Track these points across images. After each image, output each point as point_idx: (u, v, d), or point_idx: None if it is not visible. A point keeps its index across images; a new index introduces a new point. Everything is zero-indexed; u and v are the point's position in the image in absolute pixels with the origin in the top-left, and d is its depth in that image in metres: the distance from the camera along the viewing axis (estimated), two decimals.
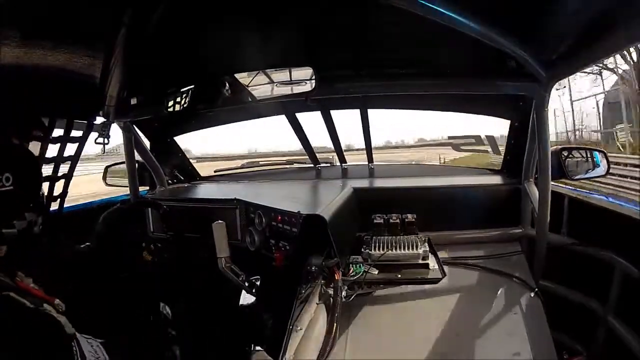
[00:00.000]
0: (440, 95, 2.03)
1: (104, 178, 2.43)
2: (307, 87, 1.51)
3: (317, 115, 2.21)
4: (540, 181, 1.66)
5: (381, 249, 1.60)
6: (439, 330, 1.60)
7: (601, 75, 14.08)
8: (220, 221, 1.61)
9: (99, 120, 1.65)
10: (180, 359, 1.58)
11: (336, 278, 1.39)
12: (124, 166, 2.16)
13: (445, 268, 1.57)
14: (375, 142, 2.39)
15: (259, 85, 1.57)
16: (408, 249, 1.58)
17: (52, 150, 1.24)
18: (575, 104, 15.22)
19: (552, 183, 1.65)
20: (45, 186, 1.21)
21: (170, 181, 2.42)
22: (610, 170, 1.88)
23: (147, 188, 2.35)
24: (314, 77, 1.51)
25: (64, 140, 1.23)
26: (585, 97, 14.90)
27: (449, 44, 1.42)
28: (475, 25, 1.15)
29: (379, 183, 2.30)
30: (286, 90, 1.54)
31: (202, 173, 2.70)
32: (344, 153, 2.52)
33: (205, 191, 2.36)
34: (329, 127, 2.28)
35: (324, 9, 1.29)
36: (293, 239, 1.46)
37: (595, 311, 1.59)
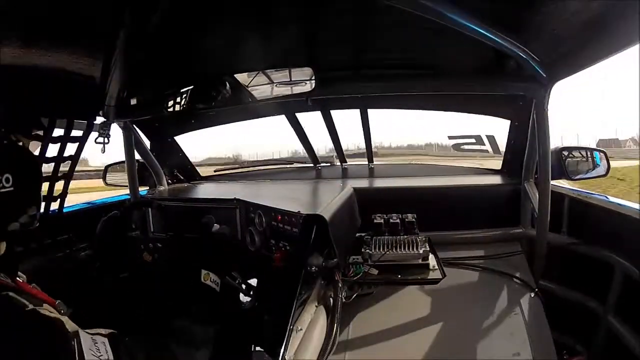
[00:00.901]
0: (440, 95, 2.03)
1: (104, 178, 2.43)
2: (307, 87, 1.51)
3: (318, 116, 2.21)
4: (540, 181, 1.66)
5: (381, 249, 1.60)
6: (439, 330, 1.61)
7: None
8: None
9: (99, 120, 1.65)
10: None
11: (336, 278, 1.39)
12: (123, 166, 2.16)
13: (446, 268, 1.57)
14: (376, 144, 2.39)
15: (259, 85, 1.57)
16: (408, 249, 1.58)
17: (52, 150, 1.24)
18: None
19: (552, 183, 1.65)
20: (45, 186, 1.20)
21: (170, 181, 2.42)
22: None
23: (147, 188, 2.35)
24: (313, 78, 1.51)
25: (64, 140, 1.23)
26: None
27: (449, 44, 1.42)
28: (475, 26, 1.14)
29: (379, 183, 2.30)
30: (286, 90, 1.54)
31: (202, 173, 2.70)
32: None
33: (205, 191, 2.36)
34: (329, 127, 2.28)
35: (323, 9, 1.29)
36: (293, 239, 1.46)
37: (595, 311, 1.59)
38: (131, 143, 2.01)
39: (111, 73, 1.29)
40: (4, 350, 0.64)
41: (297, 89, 1.53)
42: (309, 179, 2.55)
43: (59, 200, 1.40)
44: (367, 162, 2.50)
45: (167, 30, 1.21)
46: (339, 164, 2.56)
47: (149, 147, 2.26)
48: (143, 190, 2.27)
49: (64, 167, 1.34)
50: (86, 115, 1.40)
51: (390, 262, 1.58)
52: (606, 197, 1.64)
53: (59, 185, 1.34)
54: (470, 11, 1.11)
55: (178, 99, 1.62)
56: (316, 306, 1.38)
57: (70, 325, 0.74)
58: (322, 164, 2.59)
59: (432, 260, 1.60)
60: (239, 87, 1.57)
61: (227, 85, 1.55)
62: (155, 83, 1.71)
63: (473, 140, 2.50)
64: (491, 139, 2.45)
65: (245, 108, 2.16)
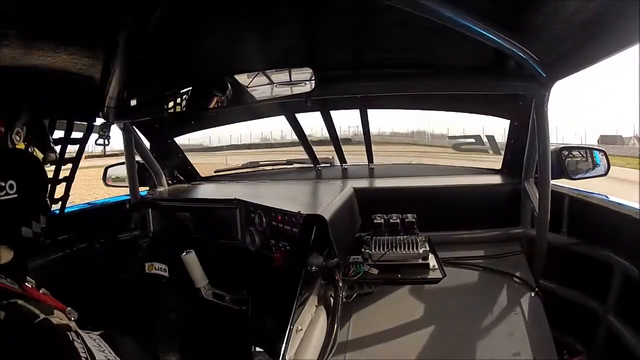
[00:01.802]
0: (440, 95, 2.03)
1: (104, 179, 2.43)
2: (307, 87, 1.51)
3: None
4: (540, 181, 1.66)
5: (381, 249, 1.60)
6: (440, 330, 1.61)
7: None
8: (189, 250, 1.55)
9: (99, 121, 1.65)
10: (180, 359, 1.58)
11: (336, 278, 1.39)
12: (123, 167, 2.16)
13: (446, 268, 1.58)
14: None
15: (259, 86, 1.57)
16: (408, 249, 1.58)
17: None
18: None
19: (552, 182, 1.65)
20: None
21: (170, 182, 2.42)
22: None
23: (148, 188, 2.35)
24: (313, 78, 1.51)
25: (64, 142, 1.23)
26: None
27: (449, 44, 1.42)
28: (475, 26, 1.15)
29: (379, 183, 2.30)
30: (286, 90, 1.54)
31: (202, 173, 2.70)
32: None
33: (205, 191, 2.36)
34: (329, 128, 2.28)
35: (323, 9, 1.29)
36: (293, 239, 1.46)
37: (595, 311, 1.59)
38: (131, 144, 2.02)
39: (111, 74, 1.29)
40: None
41: (297, 90, 1.53)
42: (309, 179, 2.55)
43: (60, 202, 1.40)
44: (367, 162, 2.50)
45: (166, 31, 1.21)
46: (338, 164, 2.56)
47: (148, 148, 2.26)
48: (143, 191, 2.27)
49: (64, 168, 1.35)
50: (86, 117, 1.40)
51: (390, 262, 1.58)
52: (606, 197, 1.64)
53: (59, 187, 1.34)
54: (470, 11, 1.11)
55: (178, 100, 1.62)
56: (316, 306, 1.38)
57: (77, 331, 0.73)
58: (322, 165, 2.59)
59: (432, 260, 1.60)
60: (238, 88, 1.57)
61: (227, 86, 1.55)
62: (155, 84, 1.71)
63: (473, 140, 2.50)
64: (491, 138, 2.46)
65: (245, 109, 2.17)
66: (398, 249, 1.58)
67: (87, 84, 1.32)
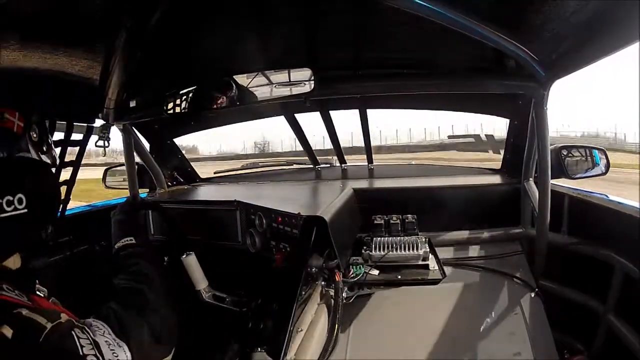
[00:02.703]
0: (440, 95, 2.03)
1: (104, 180, 2.43)
2: (307, 88, 1.50)
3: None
4: (540, 180, 1.66)
5: (381, 250, 1.60)
6: (440, 330, 1.60)
7: None
8: (189, 253, 1.57)
9: (98, 122, 1.65)
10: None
11: (337, 279, 1.39)
12: (123, 168, 2.16)
13: (446, 268, 1.58)
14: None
15: (258, 86, 1.57)
16: (408, 249, 1.58)
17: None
18: None
19: (552, 182, 1.65)
20: None
21: (169, 183, 2.42)
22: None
23: (147, 190, 2.35)
24: (312, 78, 1.51)
25: (64, 144, 1.23)
26: None
27: (449, 44, 1.42)
28: (474, 26, 1.15)
29: (379, 184, 2.30)
30: (285, 91, 1.54)
31: (202, 174, 2.70)
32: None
33: (205, 193, 2.36)
34: (329, 128, 2.28)
35: (323, 9, 1.29)
36: (293, 240, 1.46)
37: (595, 310, 1.59)
38: (131, 145, 2.01)
39: (110, 75, 1.29)
40: None
41: (296, 90, 1.53)
42: (309, 180, 2.55)
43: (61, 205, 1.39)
44: (366, 163, 2.50)
45: (166, 32, 1.21)
46: (338, 164, 2.56)
47: (148, 149, 2.26)
48: (143, 192, 2.27)
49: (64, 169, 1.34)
50: (86, 118, 1.40)
51: (391, 262, 1.58)
52: (606, 196, 1.64)
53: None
54: (470, 11, 1.11)
55: (177, 101, 1.62)
56: (317, 307, 1.38)
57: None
58: (321, 165, 2.59)
59: (432, 261, 1.60)
60: (238, 88, 1.57)
61: (226, 86, 1.55)
62: (155, 85, 1.71)
63: (472, 140, 2.51)
64: (490, 138, 2.46)
65: (244, 109, 2.16)
66: (398, 250, 1.58)
67: (87, 85, 1.32)
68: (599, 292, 1.58)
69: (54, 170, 0.95)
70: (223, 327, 1.62)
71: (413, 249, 1.57)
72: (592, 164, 1.88)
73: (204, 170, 2.73)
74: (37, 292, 0.80)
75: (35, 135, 0.82)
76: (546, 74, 1.43)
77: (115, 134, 1.82)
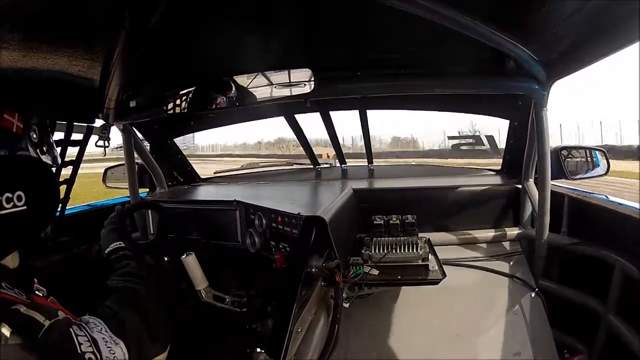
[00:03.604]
0: (440, 95, 2.03)
1: (104, 180, 2.43)
2: (307, 88, 1.51)
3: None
4: (540, 181, 1.66)
5: (381, 250, 1.60)
6: (440, 330, 1.61)
7: None
8: (189, 253, 1.57)
9: (98, 122, 1.65)
10: None
11: (336, 279, 1.39)
12: (123, 168, 2.16)
13: (446, 268, 1.58)
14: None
15: (258, 87, 1.57)
16: (408, 250, 1.57)
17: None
18: None
19: (552, 183, 1.65)
20: None
21: (169, 183, 2.42)
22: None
23: (147, 190, 2.35)
24: (312, 79, 1.51)
25: (64, 144, 1.23)
26: None
27: (449, 44, 1.42)
28: (474, 26, 1.15)
29: (379, 184, 2.30)
30: (285, 92, 1.54)
31: (202, 174, 2.70)
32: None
33: (205, 193, 2.36)
34: (328, 128, 2.28)
35: (323, 9, 1.29)
36: (293, 240, 1.46)
37: (595, 310, 1.59)
38: (131, 145, 2.01)
39: (110, 75, 1.29)
40: None
41: (296, 91, 1.53)
42: (309, 180, 2.55)
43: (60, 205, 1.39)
44: (366, 163, 2.51)
45: (166, 32, 1.21)
46: (338, 165, 2.56)
47: (148, 149, 2.26)
48: (143, 192, 2.27)
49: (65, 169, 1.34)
50: (86, 118, 1.40)
51: (391, 262, 1.58)
52: (606, 197, 1.64)
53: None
54: (470, 11, 1.11)
55: (177, 102, 1.62)
56: (316, 307, 1.38)
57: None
58: (321, 165, 2.59)
59: (432, 261, 1.60)
60: (238, 89, 1.57)
61: (226, 87, 1.55)
62: (155, 85, 1.71)
63: (472, 141, 2.51)
64: (490, 139, 2.46)
65: (244, 110, 2.16)
66: (398, 250, 1.58)
67: (87, 85, 1.32)
68: (599, 292, 1.58)
69: (54, 169, 0.95)
70: (223, 327, 1.62)
71: (413, 249, 1.57)
72: (593, 164, 1.88)
73: (203, 172, 2.73)
74: (36, 292, 0.80)
75: (35, 136, 0.82)
76: (546, 74, 1.43)
77: (115, 134, 1.82)
